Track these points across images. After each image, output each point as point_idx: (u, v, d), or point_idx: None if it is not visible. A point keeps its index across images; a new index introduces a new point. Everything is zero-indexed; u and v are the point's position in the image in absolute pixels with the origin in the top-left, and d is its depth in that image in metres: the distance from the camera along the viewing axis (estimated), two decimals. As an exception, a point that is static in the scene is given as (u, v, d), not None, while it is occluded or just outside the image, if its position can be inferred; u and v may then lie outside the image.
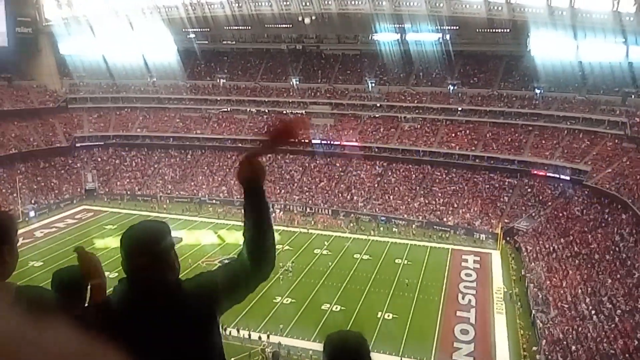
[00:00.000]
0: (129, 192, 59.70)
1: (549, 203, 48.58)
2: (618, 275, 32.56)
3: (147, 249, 1.98)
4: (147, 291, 1.96)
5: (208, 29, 70.19)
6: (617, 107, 50.46)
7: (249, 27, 69.39)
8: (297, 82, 66.53)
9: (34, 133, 61.24)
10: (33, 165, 59.10)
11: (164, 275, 2.01)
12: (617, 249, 35.57)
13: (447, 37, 59.53)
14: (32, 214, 52.01)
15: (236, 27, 69.55)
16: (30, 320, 1.69)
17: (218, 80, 69.18)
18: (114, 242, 45.95)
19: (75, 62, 65.42)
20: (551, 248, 40.30)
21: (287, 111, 65.06)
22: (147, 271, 1.96)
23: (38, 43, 64.72)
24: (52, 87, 66.66)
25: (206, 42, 71.81)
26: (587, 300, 31.56)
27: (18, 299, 1.86)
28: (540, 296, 34.15)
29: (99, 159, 64.72)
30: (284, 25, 67.90)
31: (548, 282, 35.54)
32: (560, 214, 45.47)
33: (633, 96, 50.43)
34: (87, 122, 66.46)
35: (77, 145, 64.35)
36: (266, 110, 65.83)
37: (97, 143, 65.46)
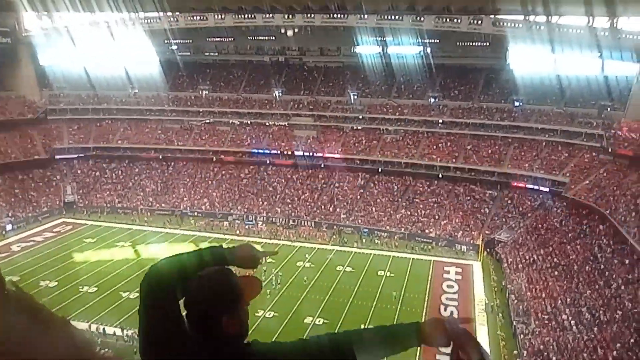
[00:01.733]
0: (109, 205, 58.91)
1: (529, 214, 49.20)
2: (597, 286, 33.02)
3: (223, 304, 1.77)
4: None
5: (190, 40, 70.22)
6: (594, 120, 51.53)
7: (232, 39, 69.65)
8: (280, 94, 66.68)
9: (12, 145, 60.20)
10: (11, 177, 58.05)
11: (229, 334, 1.79)
12: (595, 259, 36.10)
13: (428, 49, 60.32)
14: (9, 227, 50.96)
15: (219, 39, 69.78)
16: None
17: (200, 92, 68.98)
18: (93, 255, 45.36)
19: (55, 72, 64.64)
20: (531, 259, 40.75)
21: (270, 122, 65.17)
22: (210, 328, 1.76)
23: (17, 53, 63.82)
24: (31, 98, 65.71)
25: (188, 53, 71.68)
26: (567, 310, 31.92)
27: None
28: (521, 307, 34.45)
29: (79, 171, 63.83)
30: (266, 37, 68.25)
31: (529, 293, 35.88)
32: (540, 225, 46.05)
33: (609, 109, 51.57)
34: (66, 133, 65.57)
35: (57, 157, 63.41)
36: (249, 122, 65.77)
37: (77, 155, 64.56)
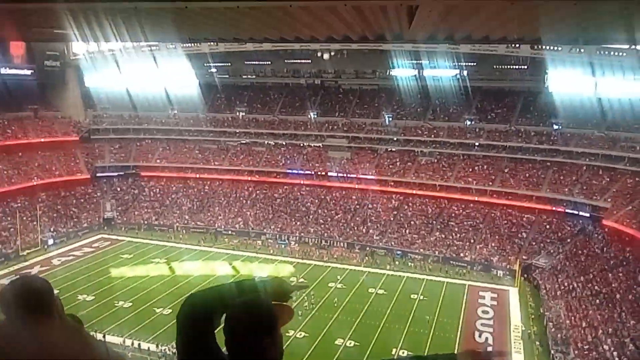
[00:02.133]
0: (146, 222, 60.28)
1: (568, 240, 47.75)
2: (641, 316, 31.63)
3: (257, 331, 1.83)
4: None
5: (229, 64, 72.00)
6: (637, 144, 49.89)
7: (269, 62, 71.09)
8: (315, 116, 67.35)
9: (56, 163, 62.60)
10: (54, 194, 60.25)
11: (273, 358, 1.86)
12: (639, 288, 34.63)
13: (465, 72, 60.05)
14: (50, 241, 52.75)
15: (256, 62, 71.30)
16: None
17: (237, 113, 70.38)
18: (129, 271, 46.32)
19: (99, 94, 67.36)
20: (570, 286, 39.39)
21: (305, 144, 65.77)
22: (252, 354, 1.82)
23: (65, 76, 66.76)
24: (76, 118, 68.35)
25: (227, 76, 73.41)
26: (609, 341, 30.62)
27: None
28: (559, 336, 33.26)
29: (118, 189, 65.71)
30: (303, 61, 69.37)
31: (567, 321, 34.63)
32: (580, 252, 44.59)
33: (653, 132, 49.96)
34: (108, 152, 67.80)
35: (98, 175, 65.54)
36: (284, 143, 66.58)
37: (117, 173, 66.56)
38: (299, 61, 70.07)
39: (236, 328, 1.81)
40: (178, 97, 66.23)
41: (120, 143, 68.85)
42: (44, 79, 65.07)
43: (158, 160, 67.62)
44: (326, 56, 64.37)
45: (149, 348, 31.86)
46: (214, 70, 71.52)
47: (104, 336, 32.40)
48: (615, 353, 29.23)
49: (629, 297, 34.35)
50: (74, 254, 50.66)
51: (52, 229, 54.92)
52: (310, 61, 69.05)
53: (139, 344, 32.25)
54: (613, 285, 36.74)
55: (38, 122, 64.84)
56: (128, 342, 32.55)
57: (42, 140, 62.54)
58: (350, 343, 33.44)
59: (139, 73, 64.80)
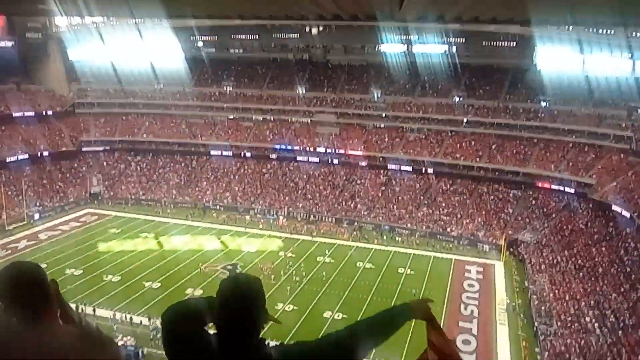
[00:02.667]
0: (133, 197, 59.92)
1: (553, 215, 48.46)
2: (622, 289, 32.39)
3: (247, 307, 1.93)
4: (236, 349, 1.90)
5: (216, 37, 70.95)
6: (623, 121, 50.42)
7: (257, 36, 70.14)
8: (304, 91, 66.85)
9: (40, 137, 61.61)
10: (39, 168, 59.47)
11: (255, 334, 1.95)
12: (621, 262, 35.42)
13: (454, 49, 59.84)
14: (36, 216, 52.30)
15: (243, 36, 70.32)
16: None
17: (225, 88, 69.60)
18: (117, 245, 46.23)
19: (83, 67, 66.03)
20: (555, 260, 40.15)
21: (293, 119, 65.44)
22: (239, 330, 1.91)
23: (47, 48, 65.33)
24: (60, 92, 67.21)
25: (213, 50, 72.35)
26: (591, 313, 31.38)
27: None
28: (543, 308, 34.00)
29: (105, 164, 65.04)
30: (291, 35, 68.55)
31: (551, 294, 35.37)
32: (565, 227, 45.33)
33: (639, 110, 50.39)
34: (93, 126, 66.88)
35: (83, 149, 64.76)
36: (272, 119, 66.15)
37: (103, 148, 65.83)
38: (287, 35, 69.21)
39: (230, 301, 1.91)
40: (164, 71, 65.22)
41: (105, 117, 67.91)
42: (26, 52, 63.69)
43: (144, 135, 66.89)
44: (314, 31, 63.72)
45: (140, 322, 31.93)
46: (200, 43, 70.59)
47: (94, 310, 32.49)
48: (596, 325, 30.00)
49: (611, 270, 35.12)
50: (61, 229, 50.32)
51: (38, 204, 54.39)
52: (298, 36, 68.30)
53: (131, 317, 32.27)
54: (596, 259, 37.51)
55: (21, 95, 63.63)
56: (118, 315, 32.61)
57: (26, 113, 61.38)
58: (338, 316, 33.86)
59: (123, 46, 63.63)
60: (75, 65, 66.56)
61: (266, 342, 1.96)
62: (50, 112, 64.14)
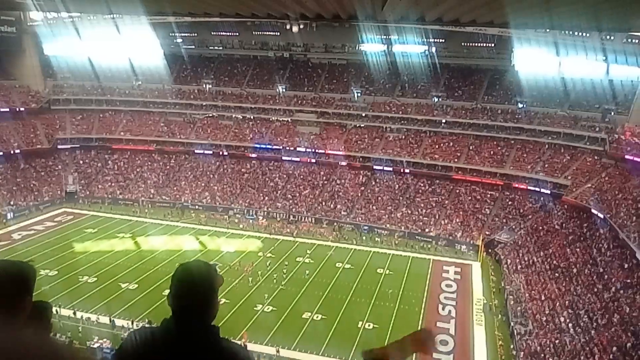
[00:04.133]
0: (110, 196, 59.04)
1: (530, 216, 49.19)
2: (595, 289, 33.04)
3: (200, 291, 2.04)
4: (191, 333, 2.00)
5: (195, 34, 70.27)
6: (597, 124, 51.45)
7: (237, 34, 69.66)
8: (284, 90, 66.65)
9: (14, 134, 60.27)
10: (13, 166, 58.16)
11: (209, 319, 2.06)
12: (595, 263, 36.12)
13: (433, 49, 60.28)
14: (10, 215, 51.17)
15: (223, 33, 69.77)
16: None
17: (204, 86, 69.02)
18: (93, 245, 45.51)
19: (59, 63, 64.50)
20: (530, 261, 40.78)
21: (273, 118, 65.20)
22: (193, 313, 2.02)
23: (22, 43, 63.86)
24: (35, 88, 65.80)
25: (193, 47, 71.68)
26: (565, 313, 31.96)
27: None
28: (519, 308, 34.51)
29: (81, 162, 63.93)
30: (271, 33, 68.25)
31: (527, 294, 35.92)
32: (540, 227, 46.06)
33: (613, 113, 51.47)
34: (69, 124, 65.67)
35: (59, 147, 63.52)
36: (252, 117, 65.81)
37: (80, 145, 64.65)
38: (267, 33, 68.90)
39: (184, 287, 2.03)
40: (142, 68, 64.35)
41: (82, 114, 66.74)
42: (-1, 46, 62.21)
43: (122, 133, 65.94)
44: (295, 29, 63.31)
45: (122, 325, 31.48)
46: (179, 40, 69.80)
47: (74, 313, 31.95)
48: (570, 325, 30.56)
49: (585, 271, 35.80)
50: (35, 228, 49.30)
51: (11, 202, 53.24)
52: (279, 34, 68.04)
53: (113, 320, 31.70)
54: (571, 260, 38.19)
55: (-6, 91, 62.16)
56: (94, 317, 32.11)
57: (-1, 109, 60.01)
58: (317, 316, 33.91)
59: (101, 41, 62.40)
60: (51, 61, 65.14)
61: (218, 330, 2.05)
62: (24, 109, 62.72)
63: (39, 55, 65.40)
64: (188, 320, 2.00)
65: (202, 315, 2.02)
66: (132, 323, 30.94)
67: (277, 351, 29.00)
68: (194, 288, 2.02)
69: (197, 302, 2.01)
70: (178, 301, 2.02)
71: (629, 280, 31.78)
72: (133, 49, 63.59)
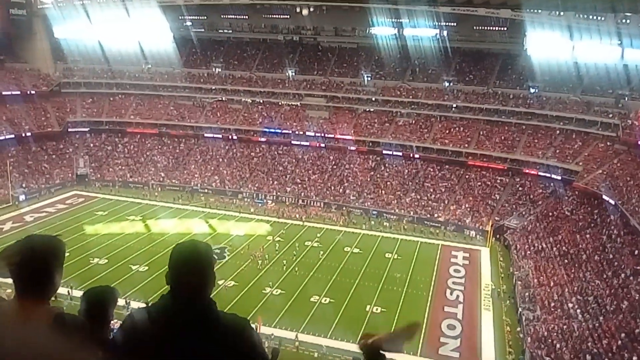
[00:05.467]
0: (120, 179, 59.45)
1: (540, 202, 48.89)
2: (605, 276, 32.91)
3: (197, 268, 2.09)
4: (189, 309, 2.05)
5: (205, 17, 69.98)
6: (610, 109, 50.71)
7: (246, 17, 69.25)
8: (293, 74, 66.34)
9: (26, 117, 60.67)
10: (24, 149, 58.66)
11: (206, 294, 2.11)
12: (604, 249, 35.92)
13: (445, 33, 59.57)
14: (22, 197, 51.72)
15: (233, 16, 69.40)
16: (65, 345, 1.79)
17: (213, 69, 68.87)
18: (104, 228, 45.98)
19: (70, 46, 64.63)
20: (540, 247, 40.62)
21: (282, 102, 65.02)
22: (192, 289, 2.07)
23: (32, 26, 64.01)
24: (46, 71, 66.09)
25: (202, 30, 71.44)
26: (574, 299, 31.89)
27: (57, 324, 1.94)
28: (527, 294, 34.48)
29: (91, 145, 64.34)
30: (281, 16, 67.79)
31: (535, 280, 35.86)
32: (550, 213, 45.79)
33: (627, 98, 50.71)
34: (80, 107, 65.98)
35: (70, 130, 63.91)
36: (261, 101, 65.67)
37: (90, 128, 64.99)
38: (277, 16, 68.45)
39: (181, 264, 2.08)
40: (152, 51, 64.31)
41: (92, 97, 67.00)
42: (10, 29, 62.39)
43: (132, 116, 66.17)
44: (305, 12, 62.88)
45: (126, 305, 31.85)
46: (189, 23, 69.54)
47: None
48: (578, 310, 30.51)
49: (594, 257, 35.63)
50: (47, 211, 49.86)
51: (23, 185, 53.80)
52: (288, 17, 67.56)
53: (128, 302, 31.92)
54: (580, 246, 37.99)
55: (5, 74, 62.45)
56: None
57: (10, 92, 60.25)
58: (325, 300, 34.12)
59: (111, 25, 62.35)
60: (61, 44, 65.30)
61: (215, 304, 2.11)
62: (35, 92, 63.04)
63: (50, 39, 65.56)
64: (186, 296, 2.05)
65: (200, 290, 2.08)
66: (146, 305, 31.22)
67: (297, 336, 29.12)
68: (192, 265, 2.08)
69: (196, 278, 2.06)
70: (177, 278, 2.07)
71: (638, 267, 31.59)
72: (143, 32, 63.55)
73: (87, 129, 64.96)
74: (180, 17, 66.24)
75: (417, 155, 57.09)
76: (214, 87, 66.81)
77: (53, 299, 2.12)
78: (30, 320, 1.87)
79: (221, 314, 2.10)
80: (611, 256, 34.62)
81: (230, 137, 63.68)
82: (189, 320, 2.01)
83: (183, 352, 1.97)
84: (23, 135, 58.70)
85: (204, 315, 2.05)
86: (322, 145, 60.83)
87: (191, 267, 2.08)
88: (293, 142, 61.77)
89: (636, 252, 33.26)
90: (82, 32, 63.46)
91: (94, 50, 63.91)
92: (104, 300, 2.50)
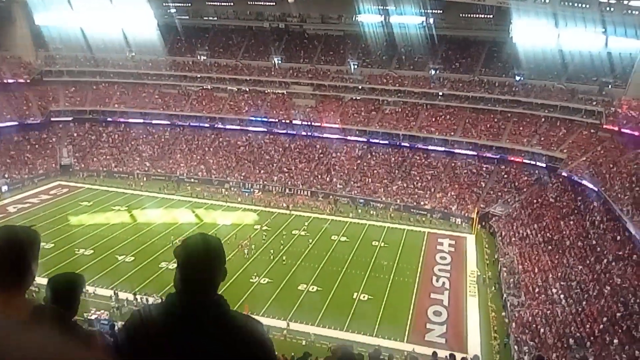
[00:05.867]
0: (105, 169, 58.85)
1: (525, 189, 49.41)
2: (588, 262, 33.44)
3: (211, 263, 2.02)
4: (202, 306, 1.96)
5: (189, 4, 69.07)
6: (594, 97, 51.17)
7: (231, 3, 68.51)
8: (279, 62, 65.89)
9: (7, 106, 59.56)
10: (6, 139, 57.66)
11: (216, 290, 2.03)
12: (587, 235, 36.46)
13: (431, 20, 59.48)
14: (4, 188, 51.04)
15: (218, 3, 68.59)
16: (47, 339, 1.73)
17: (199, 57, 68.13)
18: (89, 218, 45.56)
19: (51, 33, 63.38)
20: (524, 233, 41.12)
21: (268, 90, 64.62)
22: (204, 285, 2.00)
23: (12, 12, 62.62)
24: (27, 59, 64.81)
25: (187, 17, 70.50)
26: (557, 285, 32.39)
27: (35, 316, 1.87)
28: (512, 280, 34.94)
29: (75, 134, 63.48)
30: (267, 3, 67.14)
31: (520, 266, 36.33)
32: (535, 200, 46.30)
33: (610, 86, 51.19)
34: (62, 96, 64.96)
35: (52, 119, 62.93)
36: (247, 89, 65.19)
37: (73, 118, 64.05)
38: (262, 3, 67.79)
39: (193, 257, 1.99)
40: (136, 39, 63.43)
41: (75, 86, 65.93)
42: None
43: (116, 105, 65.34)
44: (290, -1, 62.35)
45: (111, 296, 31.75)
46: (173, 10, 68.59)
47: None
48: (562, 296, 31.00)
49: (578, 243, 36.16)
50: (30, 201, 49.25)
51: (6, 176, 53.04)
52: (274, 3, 66.95)
53: (117, 293, 31.81)
54: (564, 232, 38.53)
55: (-16, 62, 61.22)
56: (92, 289, 32.34)
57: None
58: (313, 288, 34.27)
59: (93, 11, 61.27)
60: (42, 31, 63.96)
61: (226, 301, 2.02)
62: (16, 81, 61.86)
63: (30, 26, 64.16)
64: (199, 293, 1.97)
65: (212, 287, 2.02)
66: (135, 295, 31.27)
67: (288, 325, 29.28)
68: (206, 260, 2.00)
69: (208, 274, 2.00)
70: (190, 274, 1.99)
71: (620, 253, 32.13)
72: (126, 19, 62.54)
73: (70, 118, 64.03)
74: (164, 4, 65.32)
75: (404, 144, 57.21)
76: (199, 75, 66.16)
77: (36, 290, 2.07)
78: (6, 314, 1.80)
79: (233, 313, 2.02)
80: (594, 242, 35.16)
81: (216, 125, 63.20)
82: (202, 318, 1.92)
83: (196, 351, 1.88)
84: (4, 125, 57.64)
85: (217, 312, 1.98)
86: (309, 133, 60.64)
87: (206, 262, 2.00)
88: (279, 130, 61.48)
89: (618, 238, 33.83)
90: (64, 19, 62.28)
91: (76, 37, 62.75)
92: (70, 287, 2.41)
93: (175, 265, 2.03)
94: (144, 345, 1.91)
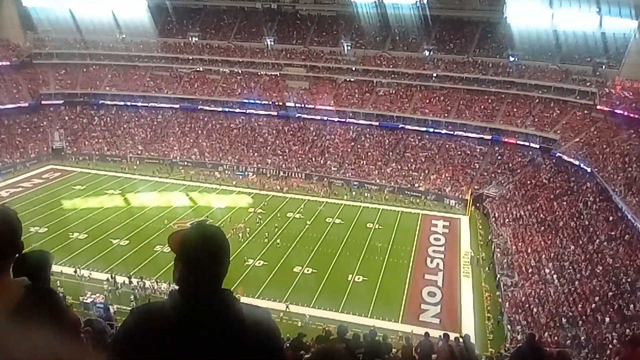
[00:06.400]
0: (97, 152, 58.40)
1: (518, 170, 49.57)
2: (580, 242, 33.75)
3: (218, 255, 1.84)
4: (210, 301, 1.79)
5: (180, -16, 67.98)
6: (588, 77, 51.07)
7: (223, -17, 67.48)
8: (272, 43, 65.17)
9: (-4, 89, 58.83)
10: (-4, 122, 57.07)
11: (221, 284, 1.85)
12: (580, 216, 36.74)
13: (425, 0, 58.86)
14: (-4, 172, 50.60)
15: (210, -17, 67.55)
16: (38, 319, 1.65)
17: (190, 39, 67.26)
18: (82, 202, 45.34)
19: (39, 15, 62.39)
20: (518, 214, 41.37)
21: (261, 72, 64.06)
22: (211, 279, 1.81)
23: (-2, -7, 61.51)
24: (15, 42, 63.76)
25: (178, -3, 69.45)
26: (550, 265, 32.72)
27: (29, 297, 1.76)
28: (505, 261, 35.23)
29: (66, 118, 62.84)
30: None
31: (514, 247, 36.63)
32: (529, 182, 46.51)
33: (604, 66, 51.09)
34: (53, 78, 64.11)
35: (43, 102, 62.19)
36: (239, 71, 64.59)
37: (64, 101, 63.32)
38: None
39: (195, 254, 1.82)
40: (126, 20, 62.54)
41: (65, 69, 65.06)
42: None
43: (107, 88, 64.63)
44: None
45: (108, 279, 31.77)
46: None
47: (75, 271, 32.12)
48: (555, 276, 31.33)
49: (570, 224, 36.45)
50: (22, 185, 48.90)
51: (-3, 160, 52.55)
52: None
53: (114, 277, 31.83)
54: (557, 213, 38.80)
55: (-28, 45, 60.22)
56: (86, 272, 32.35)
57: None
58: (308, 270, 34.41)
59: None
60: (30, 13, 62.90)
61: (232, 294, 1.85)
62: (5, 63, 60.95)
63: (18, 7, 62.98)
64: (206, 290, 1.79)
65: (219, 280, 1.83)
66: (129, 279, 31.34)
67: (287, 307, 29.44)
68: (213, 252, 1.82)
69: (215, 268, 1.82)
70: (194, 272, 1.80)
71: (613, 233, 32.44)
72: (115, 0, 61.49)
73: (61, 102, 63.28)
74: (154, -16, 64.29)
75: (398, 125, 57.10)
76: (191, 57, 65.38)
77: None
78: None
79: (241, 307, 1.85)
80: (587, 222, 35.45)
81: (209, 108, 62.73)
82: (211, 316, 1.75)
83: (206, 351, 1.72)
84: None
85: (226, 309, 1.81)
86: (303, 115, 60.32)
87: (211, 258, 1.81)
88: (273, 113, 61.09)
89: (610, 218, 34.12)
90: (52, 0, 61.17)
91: (65, 19, 61.79)
92: (40, 264, 2.32)
93: (174, 256, 1.88)
94: (149, 348, 1.72)
